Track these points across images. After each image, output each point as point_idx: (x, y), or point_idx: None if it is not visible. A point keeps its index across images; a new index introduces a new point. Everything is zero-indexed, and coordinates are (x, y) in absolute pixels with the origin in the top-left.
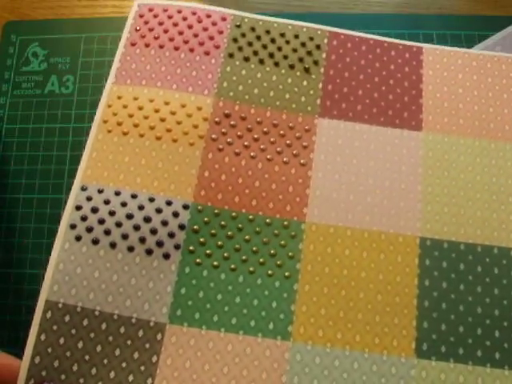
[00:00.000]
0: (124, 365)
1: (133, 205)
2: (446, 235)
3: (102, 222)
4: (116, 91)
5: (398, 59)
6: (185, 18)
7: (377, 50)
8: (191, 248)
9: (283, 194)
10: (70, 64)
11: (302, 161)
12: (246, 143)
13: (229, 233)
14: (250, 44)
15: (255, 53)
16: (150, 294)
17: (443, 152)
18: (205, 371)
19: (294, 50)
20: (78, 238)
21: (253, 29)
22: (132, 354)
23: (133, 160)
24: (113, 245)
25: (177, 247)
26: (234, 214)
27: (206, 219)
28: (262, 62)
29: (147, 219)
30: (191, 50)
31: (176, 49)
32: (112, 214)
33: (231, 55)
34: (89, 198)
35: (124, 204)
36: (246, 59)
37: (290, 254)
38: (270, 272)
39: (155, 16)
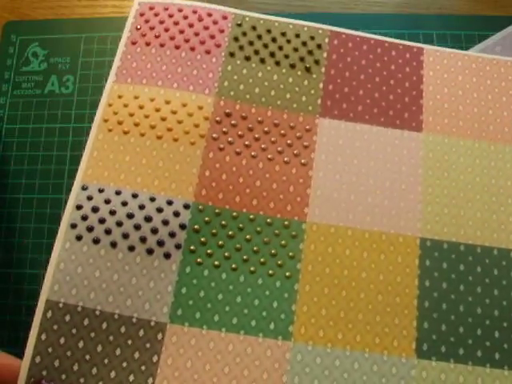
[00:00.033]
0: (125, 364)
1: (133, 204)
2: (446, 236)
3: (102, 221)
4: (117, 90)
5: (399, 59)
6: (185, 17)
7: (377, 50)
8: (192, 248)
9: (284, 193)
10: (69, 64)
11: (302, 160)
12: (246, 143)
13: (230, 232)
14: (250, 43)
15: (256, 52)
16: (150, 294)
17: (443, 153)
18: (206, 371)
19: (295, 50)
20: (79, 238)
21: (254, 28)
22: (133, 353)
23: (133, 159)
24: (113, 244)
25: (177, 247)
26: (234, 213)
27: (206, 219)
28: (262, 61)
29: (148, 219)
30: (192, 49)
31: (177, 47)
32: (113, 213)
33: (232, 54)
34: (89, 198)
35: (125, 203)
36: (247, 58)
37: (290, 253)
38: (270, 272)
39: (156, 14)
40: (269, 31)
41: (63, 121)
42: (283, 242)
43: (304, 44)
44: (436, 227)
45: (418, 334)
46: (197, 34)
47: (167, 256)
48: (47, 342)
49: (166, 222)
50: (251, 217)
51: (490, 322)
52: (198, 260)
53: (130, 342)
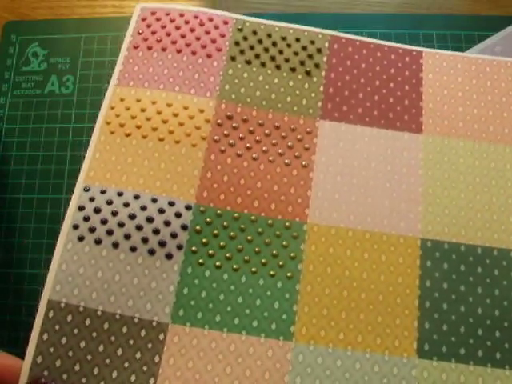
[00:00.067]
0: (126, 365)
1: (135, 205)
2: (446, 237)
3: (104, 222)
4: (119, 93)
5: (398, 63)
6: (187, 22)
7: (377, 54)
8: (194, 248)
9: (285, 195)
10: (70, 64)
11: (303, 162)
12: (247, 145)
13: (231, 233)
14: (251, 47)
15: (257, 56)
16: (152, 294)
17: (443, 154)
18: (207, 371)
19: (296, 54)
20: (81, 238)
21: (254, 32)
22: (134, 353)
23: (135, 161)
24: (115, 245)
25: (179, 247)
26: (236, 214)
27: (208, 220)
28: (263, 64)
29: (150, 219)
30: (193, 53)
31: (178, 51)
32: (115, 214)
33: (233, 58)
34: (91, 199)
35: (127, 204)
36: (248, 62)
37: (291, 254)
38: (272, 272)
39: (158, 19)
40: (269, 36)
41: (63, 121)
42: (284, 243)
43: (304, 48)
44: (437, 228)
45: (419, 334)
46: (198, 39)
47: (169, 256)
48: (49, 342)
49: (167, 223)
50: (252, 218)
51: (490, 321)
52: (200, 261)
53: (131, 342)
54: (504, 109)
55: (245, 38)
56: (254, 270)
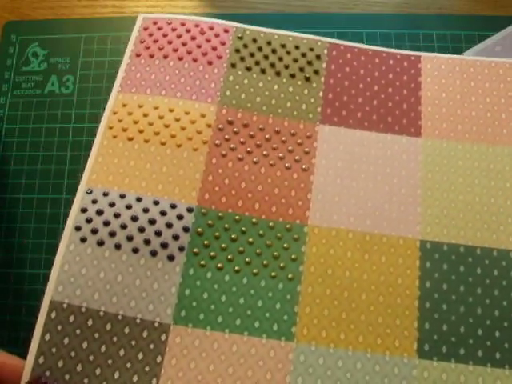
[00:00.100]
0: (128, 365)
1: (137, 207)
2: (445, 238)
3: (107, 224)
4: (121, 99)
5: (397, 68)
6: (188, 30)
7: (375, 60)
8: (195, 250)
9: (286, 198)
10: (70, 64)
11: (303, 166)
12: (248, 149)
13: (232, 235)
14: (251, 55)
15: (257, 63)
16: (154, 295)
17: (442, 157)
18: (210, 372)
19: (295, 60)
20: (83, 240)
21: (254, 40)
22: (136, 354)
23: (138, 164)
24: (118, 246)
25: (181, 249)
26: (237, 217)
27: (209, 222)
28: (263, 71)
29: (152, 221)
30: (195, 60)
31: (180, 59)
32: (117, 216)
33: (233, 65)
34: (94, 201)
35: (129, 207)
36: (248, 69)
37: (292, 256)
38: (273, 274)
39: (159, 28)
40: (269, 43)
41: (63, 121)
42: (285, 245)
43: (303, 55)
44: (436, 229)
45: (420, 335)
46: (199, 46)
47: (171, 258)
48: (51, 343)
49: (169, 225)
50: (254, 220)
51: (490, 321)
52: (202, 262)
53: (133, 342)
54: (502, 110)
55: (245, 46)
56: (255, 271)
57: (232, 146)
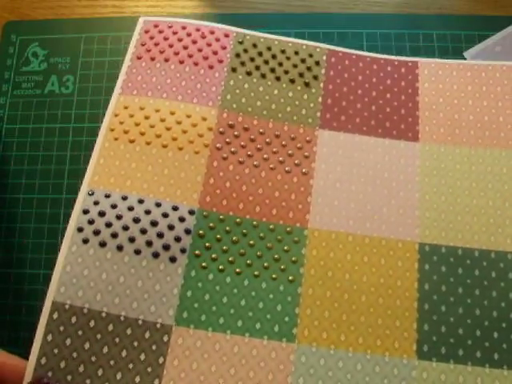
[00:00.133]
0: (131, 366)
1: (140, 209)
2: (444, 241)
3: (109, 225)
4: (123, 101)
5: (394, 74)
6: (189, 34)
7: (373, 67)
8: (197, 252)
9: (286, 201)
10: (70, 64)
11: (303, 170)
12: (249, 152)
13: (234, 238)
14: (252, 59)
15: (257, 67)
16: (156, 296)
17: (440, 161)
18: (212, 372)
19: (295, 66)
20: (85, 241)
21: (254, 45)
22: (139, 355)
23: (139, 166)
24: (120, 247)
25: (183, 251)
26: (238, 219)
27: (211, 224)
28: (263, 76)
29: (154, 223)
30: (195, 64)
31: (181, 62)
32: (119, 217)
33: (234, 69)
34: (96, 203)
35: (131, 208)
36: (249, 73)
37: (293, 258)
38: (274, 276)
39: (160, 32)
40: (269, 48)
41: (63, 121)
42: (286, 248)
43: (303, 61)
44: (434, 232)
45: (419, 336)
46: (200, 50)
47: (173, 260)
48: (53, 344)
49: (171, 227)
50: (254, 223)
51: (488, 323)
52: (203, 264)
53: (135, 343)
54: (500, 113)
55: (245, 51)
56: (256, 273)
57: (233, 149)
